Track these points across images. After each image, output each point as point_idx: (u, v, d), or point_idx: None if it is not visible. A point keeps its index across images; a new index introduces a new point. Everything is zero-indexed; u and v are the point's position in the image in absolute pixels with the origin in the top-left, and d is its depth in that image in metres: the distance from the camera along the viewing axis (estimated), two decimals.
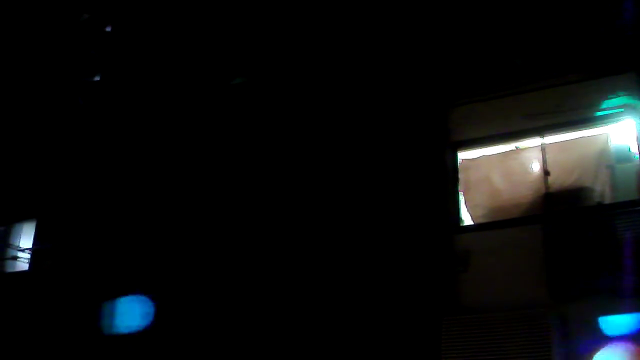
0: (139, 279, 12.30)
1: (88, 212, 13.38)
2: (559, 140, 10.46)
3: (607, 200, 9.96)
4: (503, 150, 10.89)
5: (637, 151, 9.85)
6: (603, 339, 8.93)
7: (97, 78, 14.59)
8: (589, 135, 10.33)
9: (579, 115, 10.22)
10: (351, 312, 10.56)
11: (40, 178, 14.30)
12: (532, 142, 10.61)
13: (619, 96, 9.98)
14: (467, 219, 10.79)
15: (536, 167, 10.46)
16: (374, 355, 10.17)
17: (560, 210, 9.98)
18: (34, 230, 14.08)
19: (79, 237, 13.22)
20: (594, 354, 8.93)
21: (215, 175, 12.61)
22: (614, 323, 8.95)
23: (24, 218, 14.42)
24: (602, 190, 10.02)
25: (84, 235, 13.21)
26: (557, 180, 10.23)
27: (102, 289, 12.48)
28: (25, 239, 14.27)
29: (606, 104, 10.04)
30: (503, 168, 10.76)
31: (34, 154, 14.58)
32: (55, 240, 13.47)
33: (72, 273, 12.93)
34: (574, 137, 10.41)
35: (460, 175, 10.95)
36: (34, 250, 13.75)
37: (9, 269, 14.12)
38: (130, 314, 12.10)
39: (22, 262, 13.94)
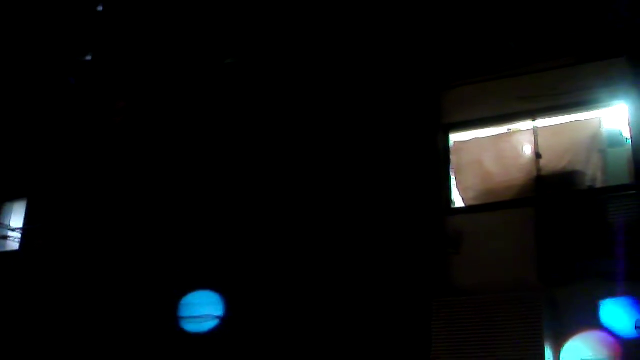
0: (129, 258, 12.28)
1: (79, 192, 13.33)
2: (551, 124, 10.44)
3: (599, 184, 9.96)
4: (495, 133, 10.86)
5: (629, 135, 9.84)
6: (592, 323, 8.98)
7: (88, 57, 14.48)
8: (582, 119, 10.31)
9: (571, 99, 10.20)
10: (342, 293, 10.59)
11: (31, 157, 14.24)
12: (525, 125, 10.59)
13: (612, 81, 9.95)
14: (458, 202, 10.79)
15: (528, 150, 10.45)
16: (365, 337, 10.23)
17: (552, 194, 9.99)
18: (24, 210, 14.03)
19: (69, 217, 13.17)
20: (583, 337, 8.98)
21: (205, 154, 12.60)
22: (603, 307, 9.00)
23: (14, 197, 14.38)
24: (593, 174, 10.02)
25: (75, 214, 13.16)
26: (549, 163, 10.22)
27: (93, 269, 12.45)
28: (16, 218, 14.25)
29: (599, 88, 10.00)
30: (495, 151, 10.74)
31: (24, 134, 14.50)
32: (45, 219, 13.42)
33: (62, 252, 12.90)
34: (567, 121, 10.39)
35: (452, 158, 10.94)
36: (25, 230, 13.70)
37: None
38: (121, 293, 12.09)
39: (13, 241, 13.89)
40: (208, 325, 11.39)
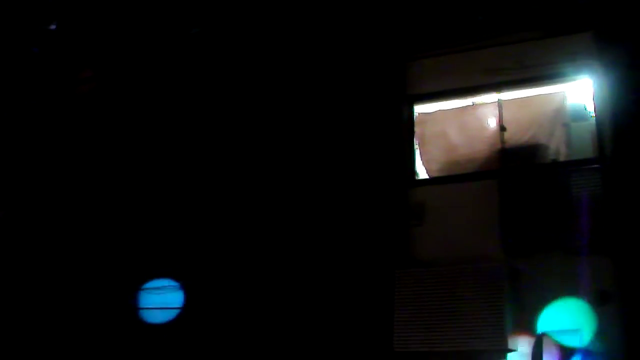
0: (92, 232, 12.00)
1: (43, 163, 12.88)
2: (515, 97, 10.46)
3: (562, 157, 10.04)
4: (460, 105, 10.85)
5: (592, 110, 9.91)
6: (554, 295, 9.05)
7: (53, 26, 13.96)
8: (546, 93, 10.36)
9: (536, 72, 10.21)
10: (304, 265, 10.52)
11: None
12: (489, 98, 10.59)
13: (577, 55, 9.97)
14: (422, 173, 10.77)
15: (492, 122, 10.46)
16: (328, 308, 10.17)
17: (515, 166, 10.03)
18: None
19: (33, 188, 12.74)
20: (545, 309, 9.05)
21: (169, 131, 12.32)
22: (565, 279, 9.07)
23: None
24: (557, 147, 10.08)
25: (38, 185, 12.72)
26: (513, 136, 10.25)
27: (56, 242, 12.12)
28: None
29: (564, 62, 10.02)
30: (459, 123, 10.73)
31: None
32: (8, 191, 12.99)
33: (26, 224, 12.50)
34: (531, 95, 10.42)
35: (416, 129, 10.90)
36: None
37: None
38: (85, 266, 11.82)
39: None
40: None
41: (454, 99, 10.84)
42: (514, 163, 10.08)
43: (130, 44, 12.86)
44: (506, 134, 10.26)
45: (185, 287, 11.25)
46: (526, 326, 9.11)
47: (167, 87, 12.52)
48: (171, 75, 12.51)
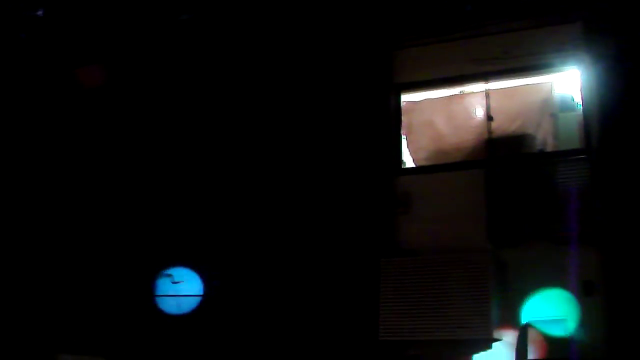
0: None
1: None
2: (503, 87, 10.45)
3: (549, 148, 10.06)
4: (447, 95, 10.82)
5: (580, 101, 9.90)
6: (540, 285, 9.06)
7: (40, 12, 13.75)
8: (534, 83, 10.35)
9: (524, 62, 10.19)
10: (291, 253, 10.49)
11: None
12: (477, 88, 10.57)
13: (565, 46, 9.97)
14: (409, 162, 10.74)
15: (480, 112, 10.44)
16: (313, 296, 10.16)
17: (502, 156, 10.03)
18: None
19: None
20: (530, 299, 9.07)
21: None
22: (550, 269, 9.09)
23: None
24: (544, 138, 10.10)
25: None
26: (500, 126, 10.24)
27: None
28: None
29: (552, 53, 10.01)
30: (446, 112, 10.71)
31: None
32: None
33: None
34: (519, 85, 10.41)
35: (404, 118, 10.85)
36: None
37: None
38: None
39: None
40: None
41: (441, 88, 10.81)
42: (501, 153, 10.08)
43: (118, 28, 12.72)
44: (493, 124, 10.25)
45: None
46: (512, 316, 9.12)
47: (158, 74, 12.41)
48: (162, 62, 12.39)
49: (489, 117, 10.28)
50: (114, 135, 12.32)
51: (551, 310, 8.95)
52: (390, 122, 10.76)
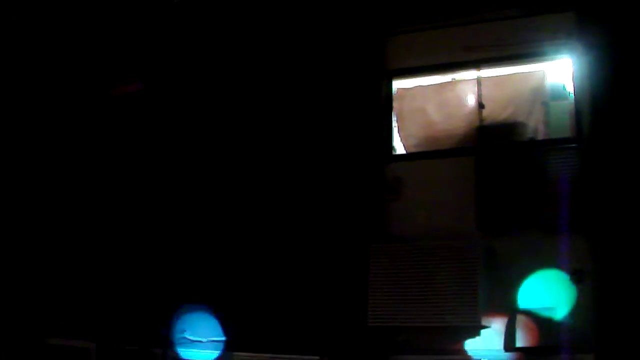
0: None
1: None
2: (495, 75, 10.41)
3: (540, 136, 10.05)
4: (439, 82, 10.77)
5: (572, 90, 9.87)
6: (529, 273, 9.07)
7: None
8: (526, 71, 10.32)
9: (516, 50, 10.15)
10: (281, 238, 10.48)
11: None
12: (469, 75, 10.52)
13: (558, 34, 9.94)
14: (400, 148, 10.70)
15: (471, 99, 10.40)
16: (302, 281, 10.16)
17: (493, 144, 10.00)
18: None
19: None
20: (520, 286, 9.08)
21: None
22: (540, 257, 9.09)
23: None
24: (535, 126, 10.09)
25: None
26: (492, 114, 10.22)
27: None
28: None
29: (544, 41, 9.98)
30: (438, 99, 10.67)
31: None
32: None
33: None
34: (511, 72, 10.38)
35: (395, 104, 10.80)
36: None
37: None
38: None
39: None
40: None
41: (433, 75, 10.74)
42: (491, 140, 10.05)
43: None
44: (485, 111, 10.22)
45: None
46: (500, 303, 9.11)
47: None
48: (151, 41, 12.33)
49: (481, 105, 10.25)
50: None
51: (540, 297, 8.94)
52: (382, 108, 10.71)
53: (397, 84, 10.90)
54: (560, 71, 10.20)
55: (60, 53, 12.85)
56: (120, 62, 12.49)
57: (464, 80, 10.56)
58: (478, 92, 10.33)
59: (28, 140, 12.83)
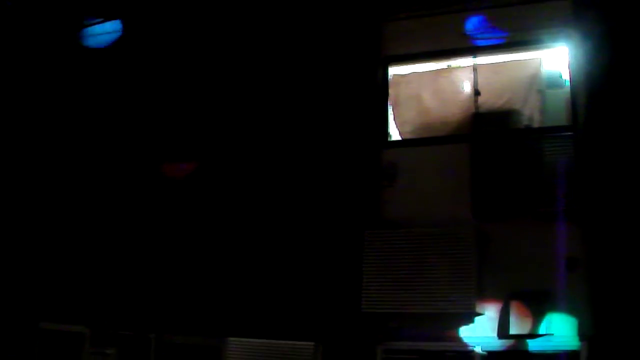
0: None
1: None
2: (491, 62, 10.40)
3: (536, 124, 10.06)
4: (435, 68, 10.76)
5: (568, 78, 9.87)
6: (523, 260, 9.10)
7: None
8: (522, 59, 10.30)
9: (513, 38, 10.14)
10: (275, 224, 10.48)
11: None
12: (465, 62, 10.52)
13: (554, 22, 9.92)
14: (395, 135, 10.69)
15: (467, 86, 10.40)
16: (296, 266, 10.17)
17: (488, 131, 9.99)
18: None
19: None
20: (514, 274, 9.10)
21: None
22: (534, 244, 9.11)
23: None
24: (531, 114, 10.09)
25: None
26: (487, 101, 10.22)
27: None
28: None
29: (541, 29, 9.97)
30: (434, 86, 10.66)
31: None
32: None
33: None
34: (507, 60, 10.36)
35: (390, 91, 10.78)
36: None
37: None
38: None
39: None
40: None
41: (429, 61, 10.73)
42: (487, 128, 10.04)
43: None
44: (480, 99, 10.22)
45: None
46: (494, 290, 9.14)
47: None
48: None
49: (476, 92, 10.25)
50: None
51: (534, 285, 8.97)
52: (377, 94, 10.68)
53: (393, 71, 10.87)
54: (556, 59, 10.23)
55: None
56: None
57: (460, 67, 10.56)
58: (474, 79, 10.33)
59: (22, 134, 12.81)
